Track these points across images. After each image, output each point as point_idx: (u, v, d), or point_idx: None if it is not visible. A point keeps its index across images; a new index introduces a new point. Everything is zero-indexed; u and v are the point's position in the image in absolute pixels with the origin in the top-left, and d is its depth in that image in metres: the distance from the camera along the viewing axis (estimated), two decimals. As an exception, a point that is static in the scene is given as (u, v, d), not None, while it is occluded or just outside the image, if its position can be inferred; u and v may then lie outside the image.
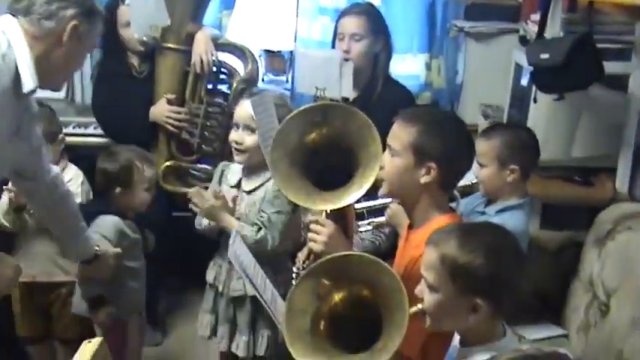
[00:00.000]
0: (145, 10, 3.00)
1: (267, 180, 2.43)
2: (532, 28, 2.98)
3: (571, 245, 2.80)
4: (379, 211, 2.47)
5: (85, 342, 1.37)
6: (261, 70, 3.58)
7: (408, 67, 3.60)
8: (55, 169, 2.21)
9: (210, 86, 3.18)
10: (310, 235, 1.91)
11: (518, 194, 2.39)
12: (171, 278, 3.43)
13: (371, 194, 1.93)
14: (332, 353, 1.43)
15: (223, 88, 3.23)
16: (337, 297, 1.49)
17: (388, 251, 2.50)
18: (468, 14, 3.54)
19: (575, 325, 2.57)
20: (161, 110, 3.12)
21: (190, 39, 3.11)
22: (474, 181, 2.43)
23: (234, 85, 3.14)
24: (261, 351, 2.48)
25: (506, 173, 2.35)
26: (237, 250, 2.04)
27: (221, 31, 3.48)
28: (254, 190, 2.47)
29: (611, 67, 2.65)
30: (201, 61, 3.08)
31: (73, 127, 3.41)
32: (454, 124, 1.96)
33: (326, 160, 1.81)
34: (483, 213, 2.41)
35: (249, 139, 2.40)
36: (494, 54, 3.46)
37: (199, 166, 3.19)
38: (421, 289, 1.58)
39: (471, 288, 1.51)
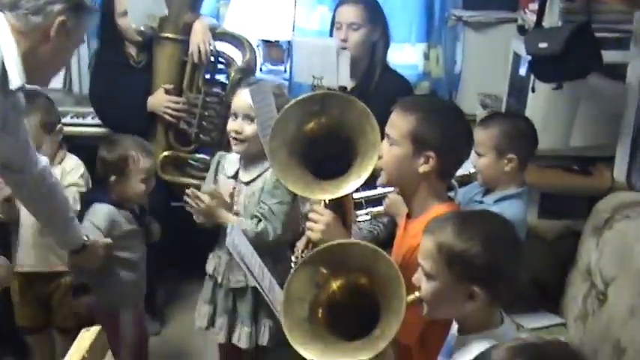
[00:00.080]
0: (142, -1, 3.00)
1: (266, 170, 2.42)
2: (530, 17, 2.97)
3: (569, 234, 2.80)
4: (377, 200, 2.47)
5: (83, 330, 1.37)
6: (260, 60, 3.57)
7: (406, 56, 3.58)
8: (44, 161, 2.19)
9: (208, 76, 3.17)
10: (309, 224, 1.91)
11: (516, 183, 2.39)
12: (169, 268, 3.43)
13: (369, 184, 1.93)
14: (330, 340, 1.44)
15: (221, 78, 3.22)
16: (335, 285, 1.49)
17: (386, 241, 2.50)
18: (466, 3, 3.53)
19: (573, 313, 2.57)
20: (159, 100, 3.12)
21: (188, 29, 3.09)
22: (472, 171, 2.42)
23: (232, 74, 3.13)
24: (263, 341, 2.49)
25: (504, 162, 2.35)
26: (235, 239, 2.04)
27: (219, 20, 3.47)
28: (252, 180, 2.46)
29: (609, 56, 2.65)
30: (199, 51, 3.07)
31: (71, 117, 3.40)
32: (453, 113, 1.97)
33: (325, 150, 1.81)
34: (481, 202, 2.41)
35: (249, 129, 2.39)
36: (492, 43, 3.45)
37: (197, 156, 3.19)
38: (418, 277, 1.58)
39: (467, 276, 1.51)
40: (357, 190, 1.96)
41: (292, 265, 2.05)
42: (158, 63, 3.15)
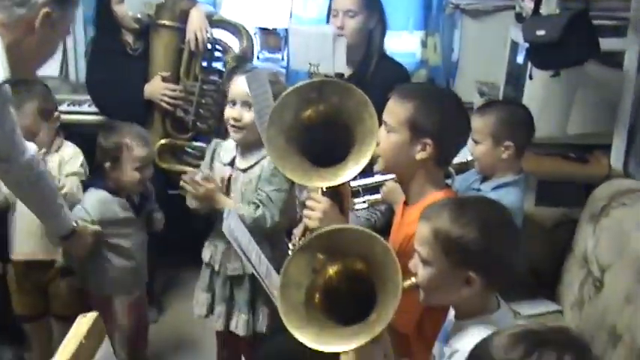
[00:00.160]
0: (138, -14, 2.99)
1: (263, 157, 2.41)
2: (528, 5, 2.97)
3: (566, 222, 2.80)
4: (375, 188, 2.47)
5: (80, 316, 1.37)
6: (257, 47, 3.56)
7: (404, 44, 3.58)
8: (32, 149, 2.17)
9: (205, 64, 3.16)
10: (306, 212, 1.91)
11: (513, 171, 2.39)
12: (167, 255, 3.43)
13: (367, 172, 1.93)
14: (326, 325, 1.44)
15: (218, 65, 3.22)
16: (332, 270, 1.49)
17: (384, 228, 2.50)
18: (464, -9, 3.53)
19: (570, 300, 2.58)
20: (156, 88, 3.11)
21: (185, 16, 3.08)
22: (469, 158, 2.43)
23: (229, 62, 3.12)
24: (261, 328, 2.49)
25: (501, 150, 2.35)
26: (232, 223, 2.04)
27: (216, 8, 3.47)
28: (250, 167, 2.45)
29: (606, 43, 2.65)
30: (196, 39, 3.07)
31: (67, 105, 3.39)
32: (450, 100, 1.97)
33: (322, 137, 1.81)
34: (479, 190, 2.41)
35: (248, 116, 2.37)
36: (490, 31, 3.46)
37: (194, 143, 3.19)
38: (415, 263, 1.59)
39: (463, 261, 1.51)
40: (354, 178, 1.96)
41: (289, 252, 2.05)
42: (155, 50, 3.14)
